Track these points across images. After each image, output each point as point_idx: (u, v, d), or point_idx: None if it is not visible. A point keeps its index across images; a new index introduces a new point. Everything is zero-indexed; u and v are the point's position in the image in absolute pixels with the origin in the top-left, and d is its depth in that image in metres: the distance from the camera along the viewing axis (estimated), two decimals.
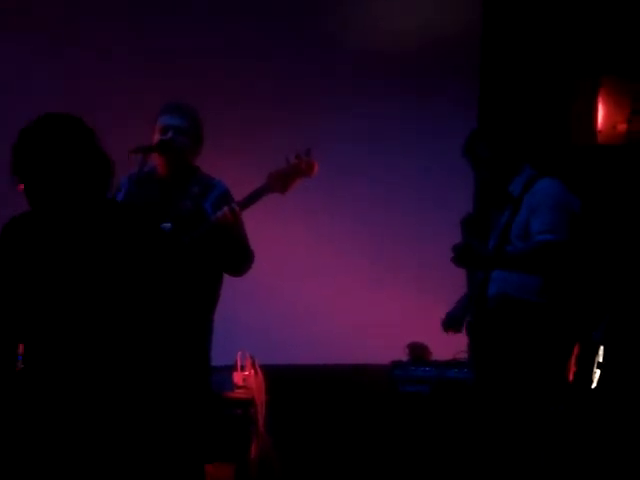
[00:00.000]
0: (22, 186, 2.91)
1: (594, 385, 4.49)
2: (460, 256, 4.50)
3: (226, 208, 4.10)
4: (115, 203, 3.22)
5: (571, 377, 4.45)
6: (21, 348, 3.02)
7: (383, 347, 5.94)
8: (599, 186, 5.84)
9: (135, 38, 6.54)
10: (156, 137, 4.35)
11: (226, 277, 4.49)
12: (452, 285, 4.98)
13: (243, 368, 5.68)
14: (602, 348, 4.53)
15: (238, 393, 5.60)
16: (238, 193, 4.32)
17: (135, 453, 2.84)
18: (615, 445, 4.68)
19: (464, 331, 4.80)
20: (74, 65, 6.41)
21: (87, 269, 2.89)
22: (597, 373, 4.49)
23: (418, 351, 5.86)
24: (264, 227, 4.35)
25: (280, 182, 4.16)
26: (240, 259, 4.37)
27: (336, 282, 6.58)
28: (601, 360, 4.51)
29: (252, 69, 6.55)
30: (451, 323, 4.86)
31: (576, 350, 4.48)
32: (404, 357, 5.86)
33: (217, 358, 4.52)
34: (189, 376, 2.98)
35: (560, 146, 6.09)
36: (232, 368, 5.64)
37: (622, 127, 5.99)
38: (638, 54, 5.97)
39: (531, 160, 4.77)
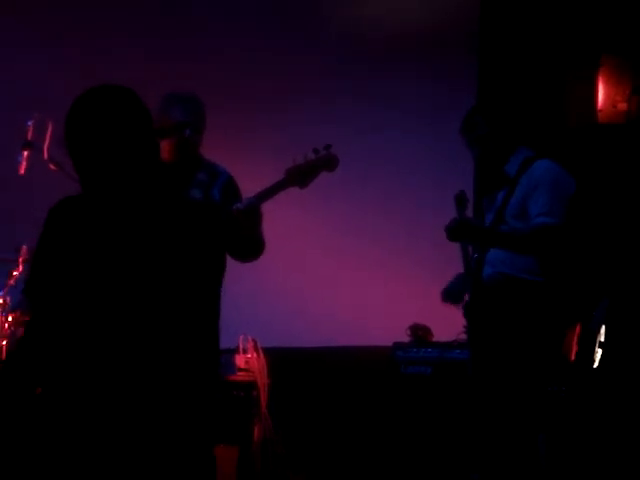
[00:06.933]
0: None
1: (596, 365, 4.49)
2: (456, 231, 4.48)
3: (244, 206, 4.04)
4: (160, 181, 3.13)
5: (573, 357, 4.45)
6: None
7: (385, 329, 5.95)
8: (599, 165, 5.84)
9: (135, 37, 6.56)
10: (164, 124, 4.31)
11: (229, 260, 4.49)
12: (454, 267, 4.98)
13: (245, 351, 5.69)
14: (604, 327, 4.53)
15: (240, 376, 5.61)
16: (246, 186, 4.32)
17: (149, 436, 2.81)
18: (617, 426, 4.68)
19: (463, 308, 4.81)
20: (73, 61, 6.43)
21: (134, 250, 2.83)
22: (599, 353, 4.50)
23: (420, 332, 5.86)
24: (265, 212, 4.34)
25: (299, 177, 4.10)
26: (253, 248, 4.35)
27: (338, 264, 6.59)
28: (603, 340, 4.51)
29: (253, 60, 6.57)
30: (450, 295, 4.86)
31: (578, 330, 4.48)
32: (406, 338, 5.86)
33: (220, 341, 4.52)
34: (202, 358, 2.97)
35: (560, 125, 6.09)
36: (234, 351, 5.65)
37: (622, 106, 5.98)
38: (638, 33, 5.95)
39: (531, 140, 4.75)
